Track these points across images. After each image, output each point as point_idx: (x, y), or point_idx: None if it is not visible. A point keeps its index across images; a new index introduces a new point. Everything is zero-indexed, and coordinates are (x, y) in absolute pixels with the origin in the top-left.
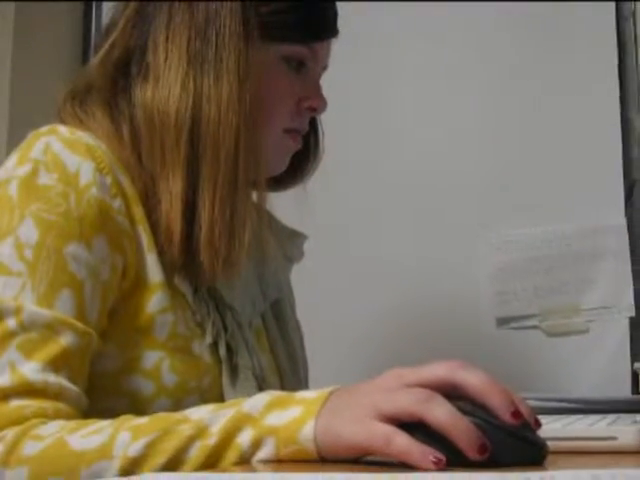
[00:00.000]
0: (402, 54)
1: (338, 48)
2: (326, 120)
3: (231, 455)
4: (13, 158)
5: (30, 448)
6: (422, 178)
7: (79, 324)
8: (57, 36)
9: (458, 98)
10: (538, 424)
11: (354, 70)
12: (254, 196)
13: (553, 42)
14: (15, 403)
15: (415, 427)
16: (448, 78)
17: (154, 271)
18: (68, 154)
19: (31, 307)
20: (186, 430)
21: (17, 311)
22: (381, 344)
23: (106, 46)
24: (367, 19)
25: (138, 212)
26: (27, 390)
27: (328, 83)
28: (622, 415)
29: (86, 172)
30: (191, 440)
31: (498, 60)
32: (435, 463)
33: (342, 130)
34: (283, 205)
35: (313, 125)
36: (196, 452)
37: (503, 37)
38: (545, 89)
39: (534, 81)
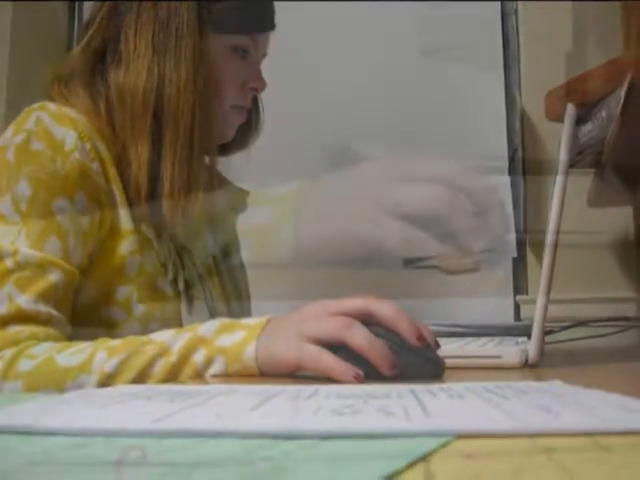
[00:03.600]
0: (324, 39)
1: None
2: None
3: (188, 371)
4: (10, 129)
5: (25, 365)
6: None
7: (65, 264)
8: (47, 29)
9: (373, 77)
10: (438, 345)
11: (289, 57)
12: (207, 160)
13: (453, 35)
14: (12, 328)
15: (338, 349)
16: (367, 54)
17: (125, 221)
18: (55, 125)
19: (25, 250)
20: (151, 350)
21: (14, 253)
22: (308, 280)
23: (86, 38)
24: (300, 15)
25: (112, 173)
26: (22, 317)
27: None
28: (507, 338)
29: (70, 140)
30: (155, 358)
31: (411, 49)
32: (355, 378)
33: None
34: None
35: (255, 102)
36: (159, 368)
37: (416, 28)
38: (447, 73)
39: (442, 67)
